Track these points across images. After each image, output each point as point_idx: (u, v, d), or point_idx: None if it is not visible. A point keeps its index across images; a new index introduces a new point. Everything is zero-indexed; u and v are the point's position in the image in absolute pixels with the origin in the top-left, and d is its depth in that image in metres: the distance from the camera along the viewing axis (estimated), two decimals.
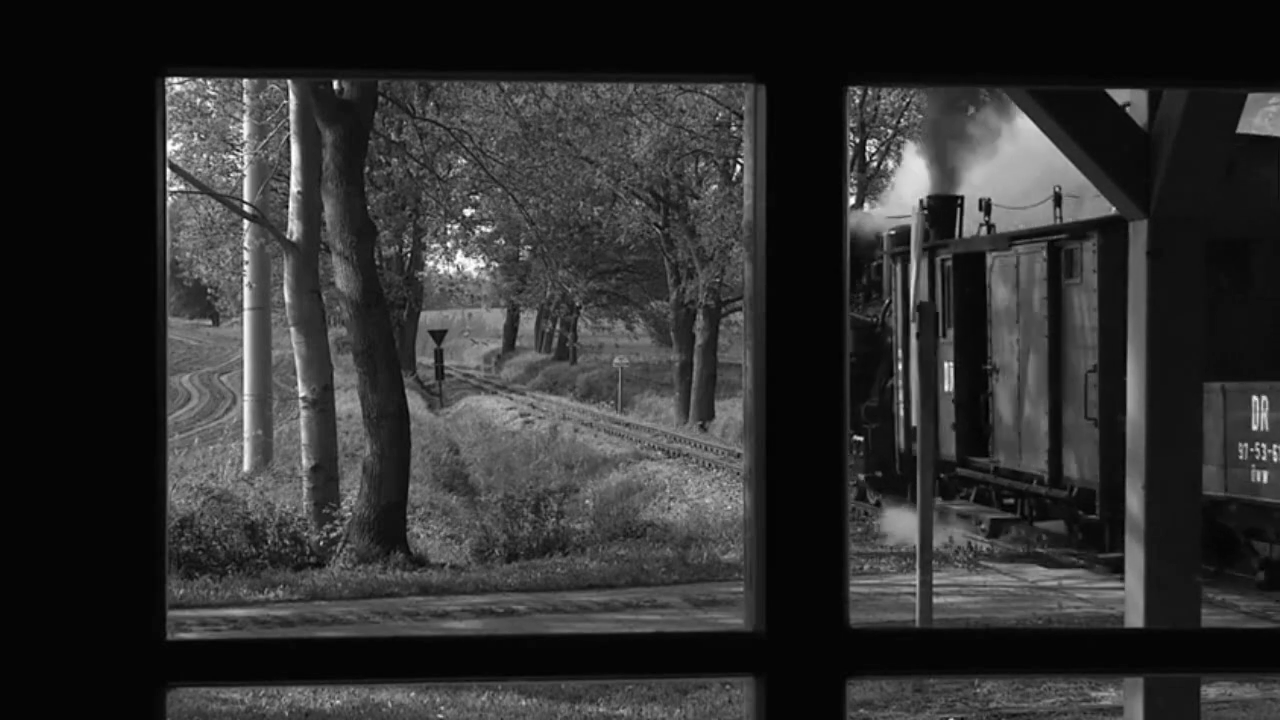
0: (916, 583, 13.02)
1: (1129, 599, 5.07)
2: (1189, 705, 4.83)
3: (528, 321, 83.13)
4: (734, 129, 42.05)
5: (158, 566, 1.53)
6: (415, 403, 39.49)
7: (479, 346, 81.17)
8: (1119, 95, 4.83)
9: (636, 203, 50.18)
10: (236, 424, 34.49)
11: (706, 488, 28.46)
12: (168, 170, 5.55)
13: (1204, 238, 4.93)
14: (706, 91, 33.17)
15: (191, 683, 1.61)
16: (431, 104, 30.33)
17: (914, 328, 12.96)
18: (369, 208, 23.55)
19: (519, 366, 73.17)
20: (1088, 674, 1.64)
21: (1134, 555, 5.02)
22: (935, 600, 13.31)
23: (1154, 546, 4.90)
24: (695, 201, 46.40)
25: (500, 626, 15.81)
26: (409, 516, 21.83)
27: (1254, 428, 15.60)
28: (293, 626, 15.94)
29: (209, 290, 47.44)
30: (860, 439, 23.61)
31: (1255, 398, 15.67)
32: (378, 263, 27.97)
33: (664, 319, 53.59)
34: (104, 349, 1.52)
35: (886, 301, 24.10)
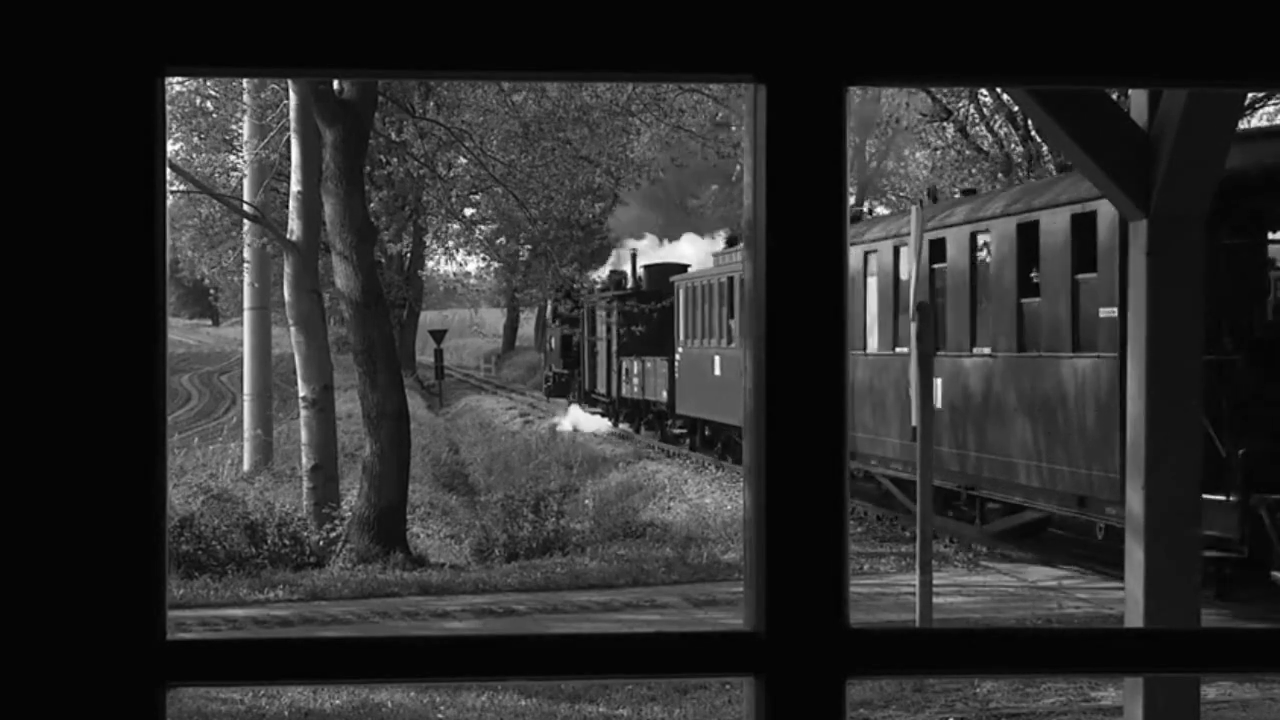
0: (916, 583, 13.02)
1: (1129, 599, 5.07)
2: (1189, 705, 4.83)
3: (528, 322, 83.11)
4: (734, 129, 42.01)
5: (158, 566, 1.53)
6: (415, 403, 39.46)
7: (486, 341, 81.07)
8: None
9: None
10: (236, 424, 34.47)
11: (706, 487, 28.46)
12: (168, 170, 5.56)
13: (1204, 238, 4.93)
14: (706, 91, 33.14)
15: (191, 683, 1.61)
16: (431, 104, 30.29)
17: (913, 327, 12.93)
18: (369, 208, 23.53)
19: (519, 366, 73.16)
20: (1088, 674, 1.64)
21: (1134, 555, 5.01)
22: (935, 600, 13.30)
23: (1154, 546, 4.90)
24: (695, 201, 46.40)
25: (500, 626, 15.80)
26: (409, 516, 21.82)
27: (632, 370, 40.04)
28: (293, 626, 15.93)
29: (209, 290, 47.42)
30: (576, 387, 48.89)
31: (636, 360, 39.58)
32: (380, 260, 27.97)
33: None
34: (104, 349, 1.52)
35: (584, 327, 47.12)
